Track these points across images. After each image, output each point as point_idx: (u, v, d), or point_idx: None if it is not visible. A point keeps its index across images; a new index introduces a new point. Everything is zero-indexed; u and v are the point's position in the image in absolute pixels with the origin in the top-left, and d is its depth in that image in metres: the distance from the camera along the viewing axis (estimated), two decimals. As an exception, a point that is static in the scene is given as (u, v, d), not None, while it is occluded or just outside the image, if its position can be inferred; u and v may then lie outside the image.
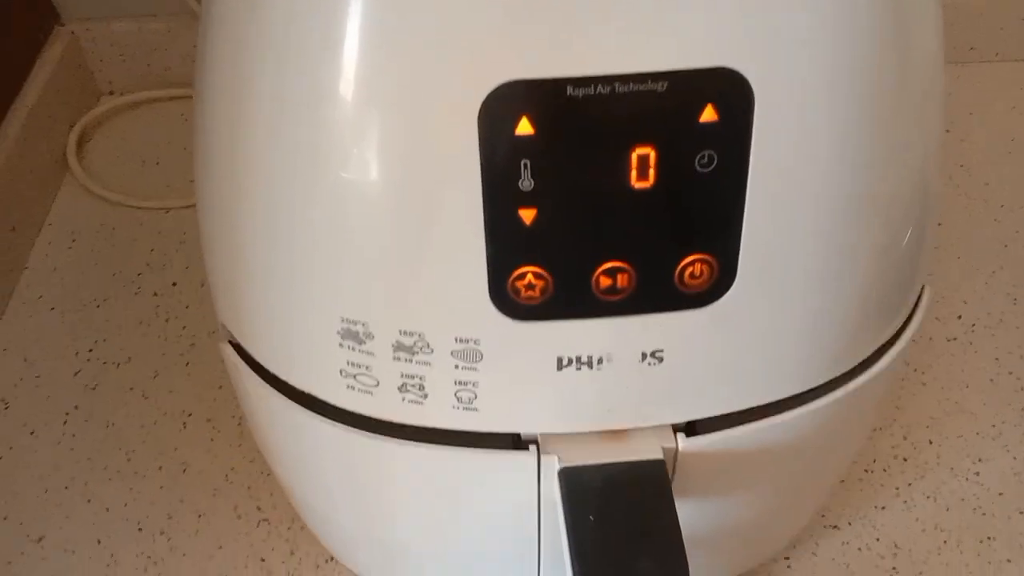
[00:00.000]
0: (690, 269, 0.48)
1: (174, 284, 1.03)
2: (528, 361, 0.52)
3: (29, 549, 0.80)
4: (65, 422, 0.90)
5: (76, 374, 0.94)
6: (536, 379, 0.52)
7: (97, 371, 0.93)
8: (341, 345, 0.53)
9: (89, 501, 0.84)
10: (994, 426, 0.89)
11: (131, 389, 0.93)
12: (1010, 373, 0.93)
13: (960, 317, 0.99)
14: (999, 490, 0.83)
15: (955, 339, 0.96)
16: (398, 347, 0.52)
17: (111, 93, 1.26)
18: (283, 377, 0.57)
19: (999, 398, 0.91)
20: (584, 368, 0.52)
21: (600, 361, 0.52)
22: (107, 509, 0.84)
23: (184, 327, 0.98)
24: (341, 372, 0.54)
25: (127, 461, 0.87)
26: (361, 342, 0.52)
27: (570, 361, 0.52)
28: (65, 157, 1.15)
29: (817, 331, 0.53)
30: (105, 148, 1.19)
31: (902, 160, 0.50)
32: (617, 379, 0.53)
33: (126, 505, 0.84)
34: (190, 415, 0.90)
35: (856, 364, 0.57)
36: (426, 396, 0.53)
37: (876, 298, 0.55)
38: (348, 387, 0.54)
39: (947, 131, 1.21)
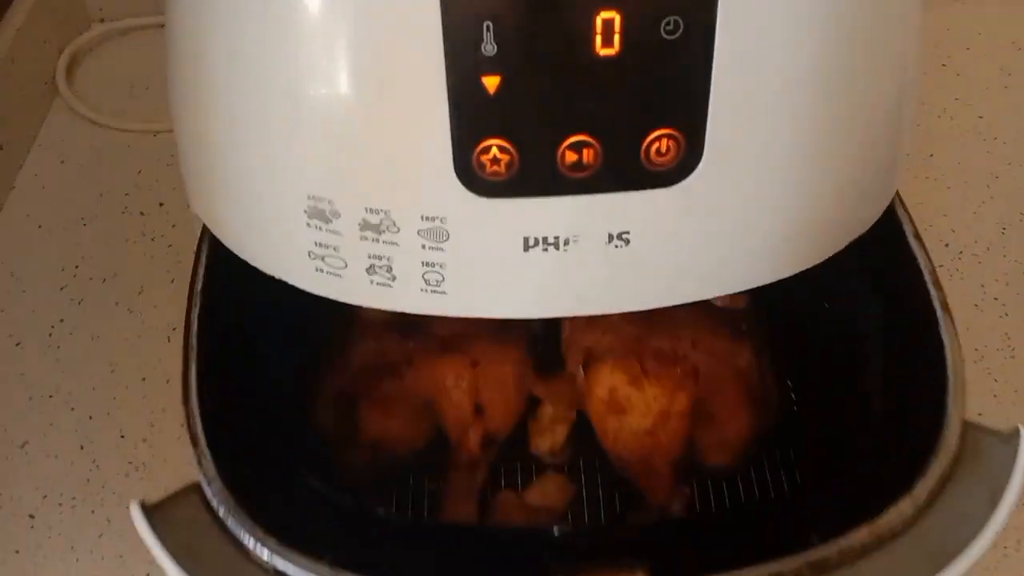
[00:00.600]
0: (656, 145, 0.48)
1: (161, 204, 1.04)
2: (494, 241, 0.52)
3: (13, 454, 0.82)
4: (50, 334, 0.91)
5: (62, 289, 0.95)
6: (503, 261, 0.53)
7: (83, 286, 0.95)
8: (308, 225, 0.53)
9: (72, 409, 0.86)
10: (976, 349, 0.89)
11: (116, 304, 0.94)
12: (995, 299, 0.94)
13: (947, 245, 1.00)
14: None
15: (941, 266, 0.96)
16: (364, 226, 0.52)
17: (102, 21, 1.24)
18: (254, 263, 0.58)
19: (983, 323, 0.90)
20: (551, 249, 0.52)
21: (567, 243, 0.51)
22: (90, 417, 0.85)
23: (170, 245, 0.99)
24: (310, 254, 0.54)
25: (111, 372, 0.88)
26: (328, 220, 0.52)
27: (536, 242, 0.52)
28: (55, 81, 1.15)
29: (785, 218, 0.53)
30: (95, 73, 1.18)
31: (878, 36, 0.50)
32: (584, 262, 0.52)
33: (109, 414, 0.85)
34: (174, 329, 0.90)
35: (825, 259, 0.57)
36: (394, 278, 0.54)
37: (846, 187, 0.54)
38: (317, 270, 0.55)
39: (943, 65, 1.23)
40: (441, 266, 0.53)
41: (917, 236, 0.67)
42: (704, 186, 0.50)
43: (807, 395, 0.87)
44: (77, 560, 0.75)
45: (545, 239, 0.52)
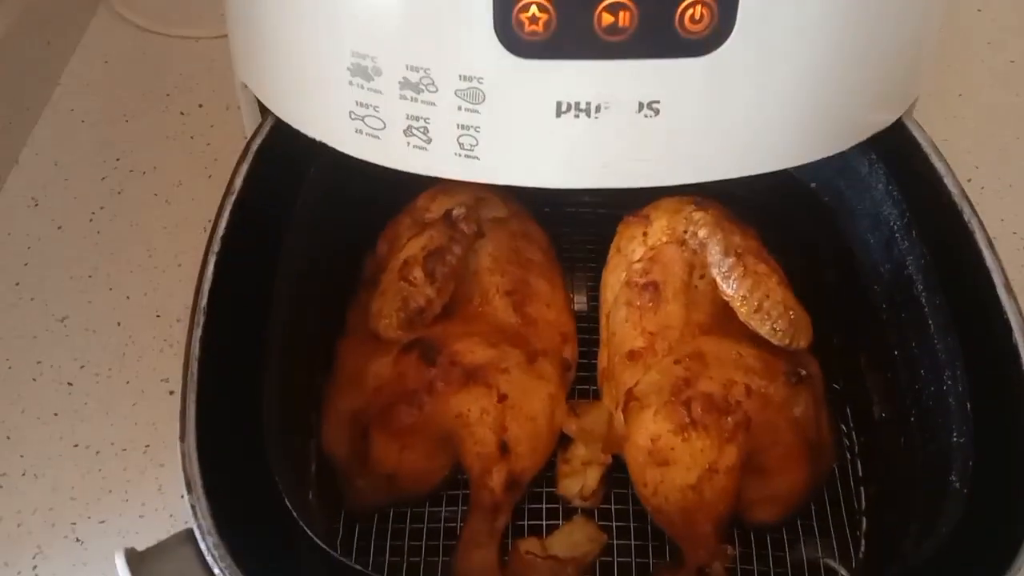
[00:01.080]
0: (690, 12, 0.50)
1: (200, 105, 1.07)
2: (528, 105, 0.54)
3: (53, 327, 0.86)
4: (91, 220, 0.95)
5: (103, 179, 1.00)
6: (535, 126, 0.56)
7: (123, 178, 1.00)
8: (351, 83, 0.56)
9: (111, 289, 0.89)
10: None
11: (155, 195, 0.98)
12: (1014, 233, 0.96)
13: (970, 180, 1.01)
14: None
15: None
16: (404, 84, 0.54)
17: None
18: (298, 125, 0.64)
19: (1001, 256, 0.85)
20: (582, 116, 0.54)
21: (598, 109, 0.54)
22: (127, 297, 0.89)
23: (208, 143, 1.03)
24: (351, 114, 0.58)
25: (148, 257, 0.91)
26: (369, 78, 0.55)
27: (569, 107, 0.54)
28: (100, -16, 1.17)
29: (813, 98, 0.58)
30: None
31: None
32: (614, 130, 0.56)
33: (146, 295, 0.89)
34: (209, 220, 0.89)
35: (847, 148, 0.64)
36: (430, 140, 0.57)
37: (872, 76, 0.60)
38: (356, 131, 0.59)
39: (979, 10, 1.21)
40: (476, 129, 0.55)
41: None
42: (734, 58, 0.52)
43: (868, 443, 0.79)
44: (112, 425, 0.81)
45: (577, 104, 0.54)
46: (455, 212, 0.78)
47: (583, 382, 0.81)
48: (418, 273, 0.75)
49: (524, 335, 0.76)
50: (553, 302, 0.80)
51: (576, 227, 0.95)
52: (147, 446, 0.79)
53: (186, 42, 1.17)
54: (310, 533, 0.57)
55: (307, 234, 0.76)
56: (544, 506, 0.75)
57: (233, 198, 0.71)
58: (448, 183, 0.84)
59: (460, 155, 0.57)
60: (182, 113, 1.08)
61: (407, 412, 0.71)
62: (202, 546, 0.52)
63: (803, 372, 0.72)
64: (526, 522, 0.74)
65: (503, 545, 0.71)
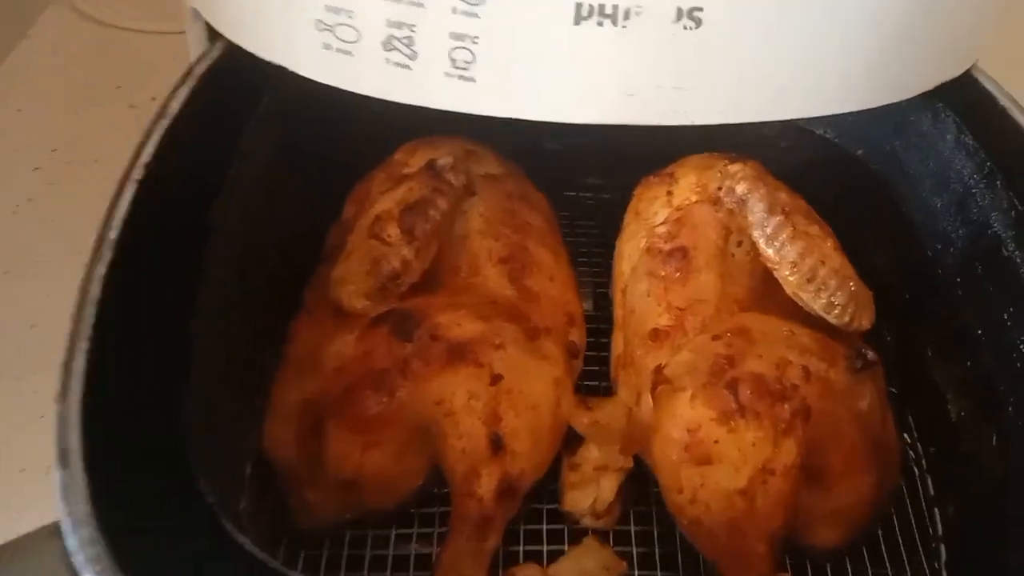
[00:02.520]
0: None
1: (153, 99, 0.99)
2: (540, 6, 0.46)
3: None
4: (15, 212, 0.89)
5: (35, 170, 0.94)
6: (548, 36, 0.48)
7: (59, 169, 0.94)
8: None
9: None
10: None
11: (95, 189, 0.91)
12: None
13: None
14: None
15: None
16: None
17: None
18: (250, 46, 0.56)
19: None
20: (607, 23, 0.46)
21: (627, 15, 0.46)
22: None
23: None
24: (318, 24, 0.50)
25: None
26: None
27: (591, 11, 0.46)
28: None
29: (882, 35, 0.52)
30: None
31: None
32: (645, 44, 0.47)
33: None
34: None
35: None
36: (415, 56, 0.48)
37: (937, 22, 0.55)
38: (323, 47, 0.50)
39: None
40: (473, 40, 0.47)
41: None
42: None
43: (941, 453, 0.64)
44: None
45: (602, 7, 0.46)
46: (440, 161, 0.64)
47: (590, 377, 0.66)
48: (393, 230, 0.61)
49: (522, 311, 0.61)
50: (557, 276, 0.66)
51: (576, 214, 0.82)
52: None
53: (144, 36, 1.13)
54: (238, 538, 0.41)
55: (255, 187, 0.61)
56: (545, 526, 0.59)
57: (166, 123, 0.57)
58: (432, 137, 0.71)
59: (452, 76, 0.49)
60: (132, 106, 1.02)
61: (373, 398, 0.56)
62: (70, 541, 0.37)
63: (869, 355, 0.58)
64: (521, 547, 0.58)
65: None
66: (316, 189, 0.70)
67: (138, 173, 0.53)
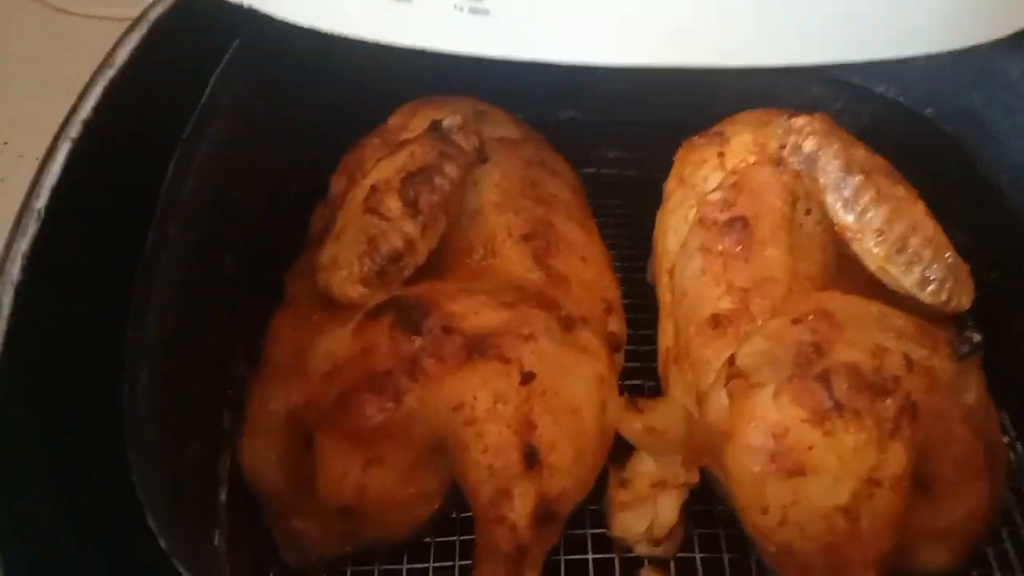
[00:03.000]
0: None
1: None
2: None
3: None
4: None
5: None
6: None
7: (9, 163, 0.87)
8: None
9: None
10: None
11: None
12: None
13: None
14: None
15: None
16: None
17: None
18: None
19: None
20: None
21: None
22: None
23: None
24: None
25: None
26: None
27: None
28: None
29: None
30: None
31: None
32: None
33: None
34: None
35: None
36: None
37: None
38: None
39: None
40: None
41: None
42: None
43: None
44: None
45: None
46: (447, 121, 0.54)
47: (628, 376, 0.56)
48: (393, 203, 0.50)
49: (552, 296, 0.51)
50: (590, 256, 0.55)
51: (598, 192, 0.72)
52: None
53: (104, 23, 1.03)
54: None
55: (217, 156, 0.51)
56: (591, 555, 0.49)
57: (111, 74, 0.47)
58: (434, 96, 0.60)
59: (461, 9, 0.42)
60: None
61: (375, 405, 0.46)
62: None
63: (976, 337, 0.48)
64: (564, 586, 0.48)
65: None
66: (294, 161, 0.59)
67: (74, 130, 0.42)
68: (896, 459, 0.43)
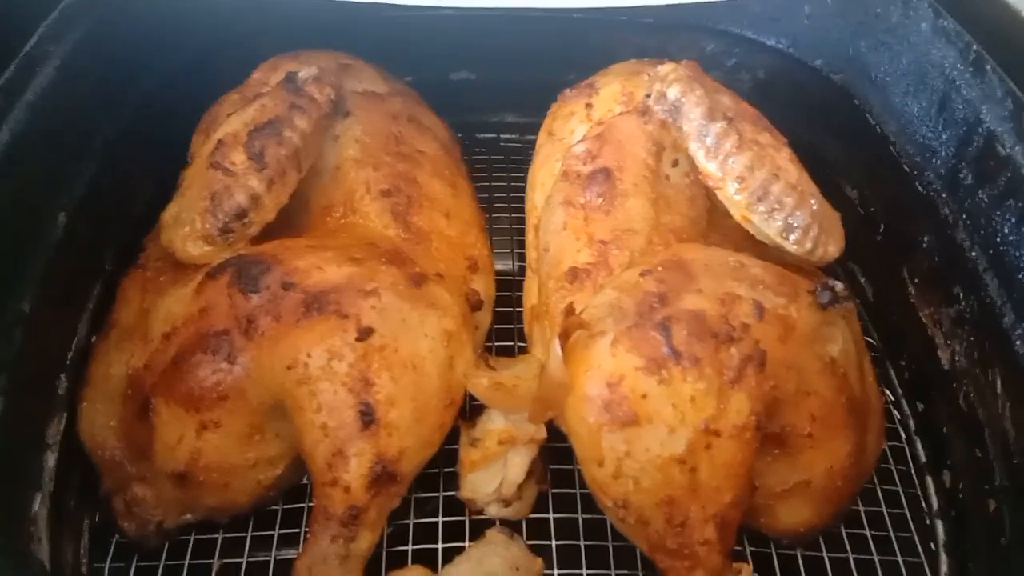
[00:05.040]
0: None
1: None
2: None
3: None
4: None
5: None
6: None
7: None
8: None
9: None
10: None
11: None
12: None
13: None
14: None
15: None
16: None
17: None
18: None
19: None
20: None
21: None
22: None
23: None
24: None
25: None
26: None
27: None
28: None
29: None
30: None
31: None
32: None
33: None
34: None
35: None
36: None
37: None
38: None
39: None
40: None
41: None
42: None
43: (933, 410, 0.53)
44: None
45: None
46: (301, 73, 0.52)
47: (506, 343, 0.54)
48: (238, 156, 0.48)
49: (407, 254, 0.49)
50: (455, 212, 0.53)
51: (494, 159, 0.70)
52: None
53: None
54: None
55: (45, 110, 0.47)
56: (441, 519, 0.47)
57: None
58: (299, 52, 0.59)
59: None
60: None
61: (208, 367, 0.44)
62: None
63: (838, 286, 0.46)
64: (410, 546, 0.46)
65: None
66: (149, 121, 0.57)
67: None
68: (738, 408, 0.41)
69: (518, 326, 0.55)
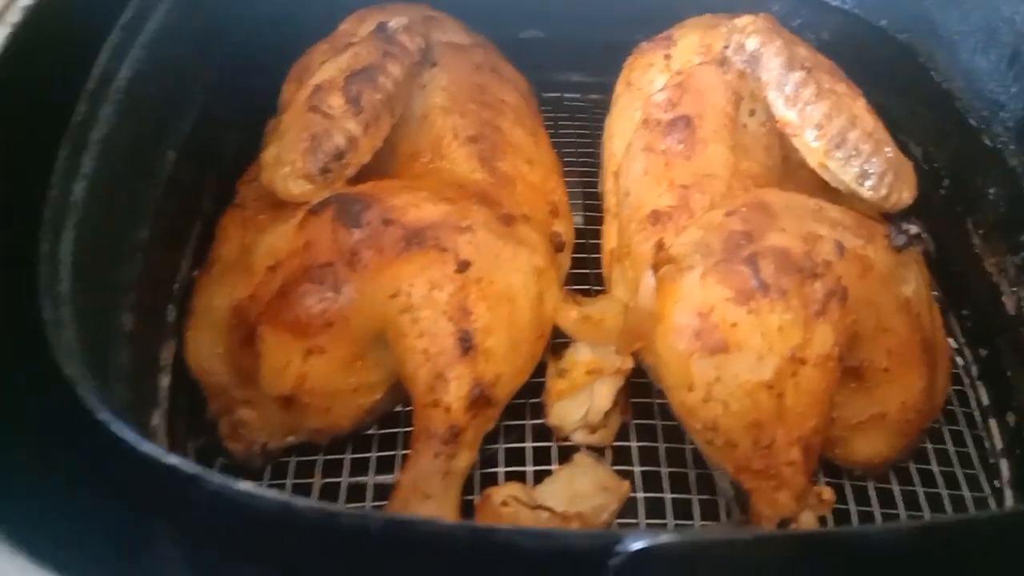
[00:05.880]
0: None
1: None
2: None
3: None
4: None
5: None
6: None
7: None
8: None
9: None
10: None
11: None
12: None
13: None
14: None
15: None
16: None
17: None
18: None
19: None
20: None
21: None
22: None
23: None
24: None
25: None
26: None
27: None
28: None
29: None
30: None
31: None
32: None
33: None
34: None
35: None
36: None
37: None
38: None
39: None
40: None
41: None
42: None
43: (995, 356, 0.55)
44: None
45: None
46: (392, 23, 0.54)
47: (576, 282, 0.56)
48: (336, 100, 0.51)
49: (495, 195, 0.51)
50: (537, 160, 0.56)
51: (560, 116, 0.72)
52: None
53: None
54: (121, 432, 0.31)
55: (158, 51, 0.49)
56: (529, 444, 0.50)
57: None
58: (384, 4, 0.61)
59: None
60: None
61: (315, 296, 0.46)
62: None
63: (912, 229, 0.48)
64: (501, 468, 0.49)
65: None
66: (239, 71, 0.59)
67: (14, 16, 0.43)
68: (822, 339, 0.43)
69: (591, 271, 0.57)
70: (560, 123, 0.72)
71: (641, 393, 0.50)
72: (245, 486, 0.29)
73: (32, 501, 0.29)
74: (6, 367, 0.32)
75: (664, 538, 0.28)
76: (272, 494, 0.29)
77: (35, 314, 0.32)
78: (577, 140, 0.70)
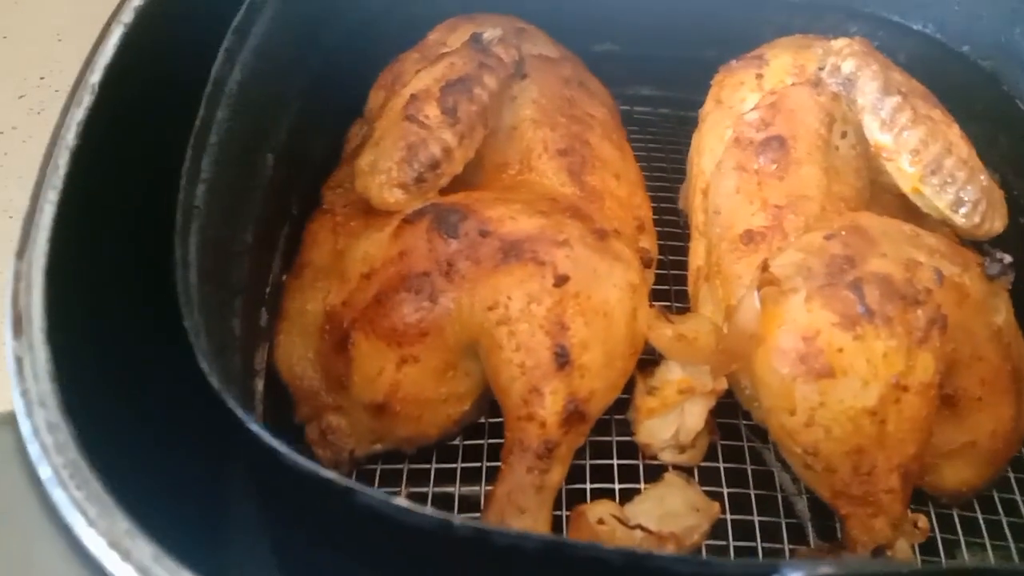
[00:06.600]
0: None
1: None
2: None
3: None
4: None
5: (20, 97, 0.84)
6: None
7: (46, 97, 0.84)
8: None
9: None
10: None
11: None
12: None
13: None
14: None
15: None
16: None
17: None
18: None
19: None
20: None
21: None
22: None
23: None
24: None
25: None
26: None
27: None
28: None
29: None
30: None
31: None
32: None
33: None
34: None
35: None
36: None
37: None
38: None
39: None
40: None
41: None
42: None
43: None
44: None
45: None
46: (487, 34, 0.54)
47: (657, 298, 0.56)
48: (432, 111, 0.51)
49: (586, 210, 0.52)
50: (624, 175, 0.56)
51: (630, 130, 0.72)
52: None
53: None
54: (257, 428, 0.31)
55: (264, 53, 0.50)
56: (616, 461, 0.49)
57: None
58: (473, 14, 0.61)
59: None
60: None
61: (411, 305, 0.46)
62: (24, 427, 0.27)
63: (1006, 258, 0.48)
64: (588, 485, 0.49)
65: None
66: (328, 77, 0.59)
67: (127, 16, 0.43)
68: (924, 367, 0.43)
69: (671, 287, 0.57)
70: (632, 136, 0.72)
71: (728, 414, 0.50)
72: (402, 502, 0.29)
73: (184, 510, 0.29)
74: (154, 374, 0.32)
75: (823, 568, 0.28)
76: (430, 511, 0.29)
77: (175, 320, 0.32)
78: (649, 154, 0.70)
